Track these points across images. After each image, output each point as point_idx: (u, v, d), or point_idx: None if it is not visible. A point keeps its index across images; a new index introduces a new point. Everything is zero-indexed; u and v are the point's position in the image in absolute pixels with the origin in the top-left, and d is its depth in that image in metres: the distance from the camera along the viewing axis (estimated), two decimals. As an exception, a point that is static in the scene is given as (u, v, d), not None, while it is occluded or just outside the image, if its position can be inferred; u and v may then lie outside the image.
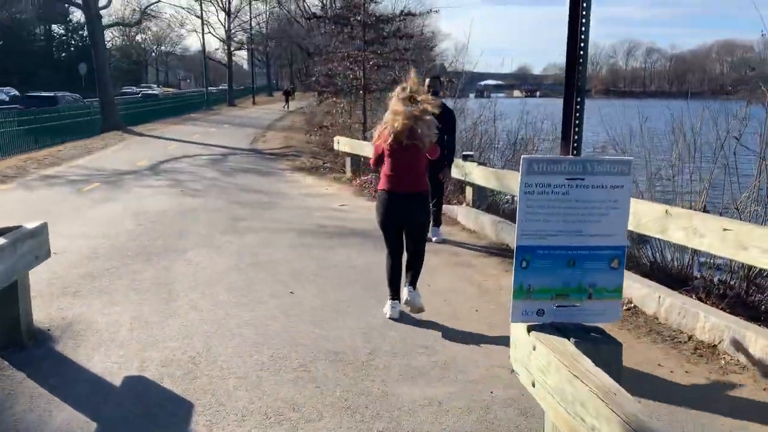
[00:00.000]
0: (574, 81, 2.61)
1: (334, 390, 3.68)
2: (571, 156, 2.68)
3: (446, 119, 6.86)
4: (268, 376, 3.86)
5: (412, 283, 5.13)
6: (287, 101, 44.32)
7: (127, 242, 7.28)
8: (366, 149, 11.98)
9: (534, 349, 2.41)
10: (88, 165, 15.00)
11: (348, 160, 12.74)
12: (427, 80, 7.29)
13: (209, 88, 54.93)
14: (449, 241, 7.44)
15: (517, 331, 2.59)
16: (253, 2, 54.72)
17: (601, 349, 2.30)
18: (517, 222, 2.46)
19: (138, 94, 41.50)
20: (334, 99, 17.84)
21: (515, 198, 9.83)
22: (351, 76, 15.24)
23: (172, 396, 3.60)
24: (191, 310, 5.00)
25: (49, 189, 11.40)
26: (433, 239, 7.42)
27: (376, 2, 15.37)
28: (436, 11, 15.30)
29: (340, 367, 3.98)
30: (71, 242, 7.20)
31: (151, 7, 30.86)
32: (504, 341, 4.47)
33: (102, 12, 26.59)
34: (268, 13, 60.16)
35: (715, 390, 3.79)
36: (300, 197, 10.62)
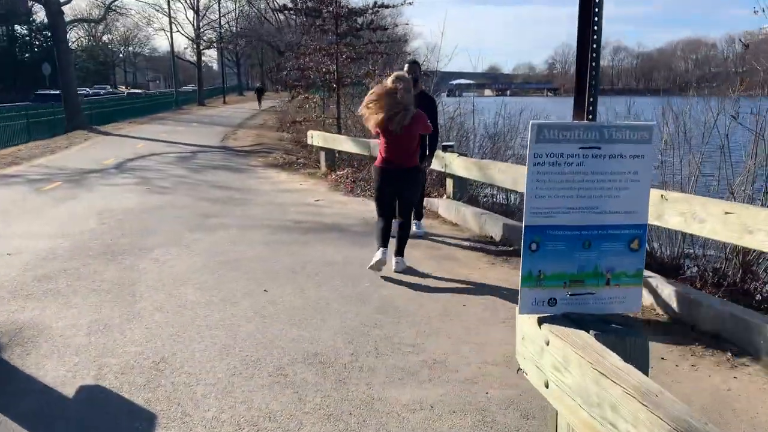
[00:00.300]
0: (589, 23, 2.27)
1: (315, 396, 3.32)
2: (585, 121, 2.33)
3: (427, 106, 6.57)
4: (241, 381, 3.49)
5: (399, 252, 5.82)
6: (260, 100, 44.11)
7: (89, 241, 6.83)
8: (341, 143, 11.61)
9: (548, 344, 2.08)
10: (50, 164, 14.38)
11: (322, 155, 12.36)
12: (406, 66, 6.97)
13: (179, 88, 54.00)
14: (431, 234, 7.12)
15: (525, 324, 2.27)
16: (222, 1, 53.87)
17: (626, 342, 1.98)
18: (525, 198, 2.13)
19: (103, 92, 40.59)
20: (306, 96, 17.45)
21: (498, 189, 9.63)
22: (324, 69, 14.86)
23: (133, 407, 3.21)
24: (156, 312, 4.59)
25: (7, 188, 10.82)
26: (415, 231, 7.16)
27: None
28: (410, 3, 14.73)
29: (320, 370, 3.62)
30: (28, 242, 6.72)
31: (116, 3, 29.99)
32: (495, 336, 4.17)
33: (66, 9, 25.77)
34: (237, 11, 59.37)
35: (725, 384, 3.52)
36: (273, 193, 10.21)
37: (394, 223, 5.98)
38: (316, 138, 12.47)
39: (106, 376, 3.53)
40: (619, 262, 2.19)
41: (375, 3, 14.46)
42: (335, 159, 12.45)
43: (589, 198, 2.13)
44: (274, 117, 29.21)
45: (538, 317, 2.17)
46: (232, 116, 33.87)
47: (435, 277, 5.54)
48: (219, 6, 53.32)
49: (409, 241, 6.08)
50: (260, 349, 3.90)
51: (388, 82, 5.75)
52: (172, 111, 40.62)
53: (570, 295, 2.19)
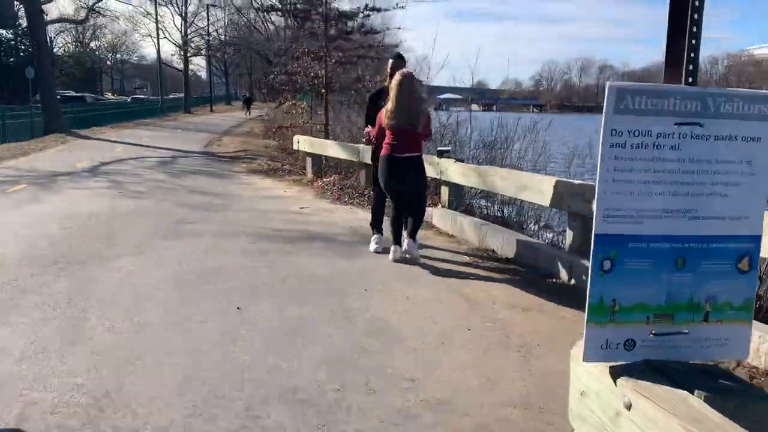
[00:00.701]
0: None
1: (292, 447, 2.65)
2: (683, 86, 1.68)
3: None
4: (201, 425, 2.80)
5: (412, 235, 5.87)
6: (248, 108, 44.08)
7: (45, 249, 6.10)
8: (329, 148, 10.97)
9: (629, 408, 1.43)
10: (20, 166, 13.60)
11: (308, 161, 11.69)
12: (390, 61, 6.38)
13: (166, 95, 53.11)
14: (426, 246, 6.47)
15: (588, 374, 1.61)
16: (211, 8, 53.23)
17: (754, 410, 1.33)
18: (596, 195, 1.48)
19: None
20: (294, 102, 16.80)
21: (494, 201, 9.02)
22: (312, 74, 14.22)
23: (58, 460, 2.52)
24: (107, 333, 3.89)
25: (-31, 191, 10.06)
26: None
27: (338, -4, 14.39)
28: (402, 6, 14.18)
29: (299, 412, 2.95)
30: (-25, 249, 6.00)
31: (100, 5, 29.17)
32: (509, 369, 3.51)
33: (53, 11, 25.02)
34: (226, 19, 58.73)
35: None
36: (256, 200, 9.53)
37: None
38: (302, 143, 11.82)
39: (31, 417, 2.83)
40: (722, 288, 1.55)
41: (366, 6, 13.87)
42: (322, 165, 11.79)
43: (685, 197, 1.49)
44: (261, 125, 28.53)
45: (611, 366, 1.52)
46: (218, 124, 33.14)
47: (433, 295, 4.88)
48: (207, 13, 52.65)
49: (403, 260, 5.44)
50: (227, 383, 3.22)
51: (397, 77, 5.62)
52: (157, 117, 39.80)
53: (654, 335, 1.54)
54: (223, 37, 60.40)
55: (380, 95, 6.37)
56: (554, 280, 5.30)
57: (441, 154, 7.77)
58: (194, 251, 6.13)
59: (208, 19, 52.62)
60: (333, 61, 13.87)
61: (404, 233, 5.85)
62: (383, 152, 5.75)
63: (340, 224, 7.69)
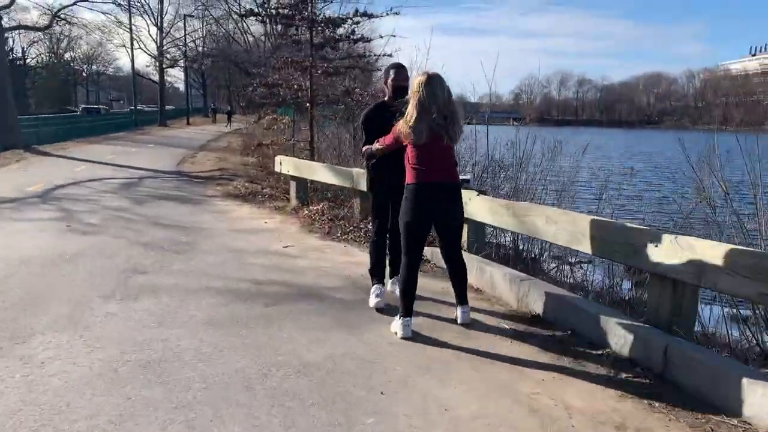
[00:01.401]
0: None
1: None
2: None
3: None
4: None
5: (464, 299, 4.61)
6: (229, 121, 43.10)
7: (-59, 318, 4.53)
8: (317, 172, 9.47)
9: None
10: (-39, 190, 11.93)
11: (293, 185, 10.18)
12: (392, 72, 4.97)
13: (140, 107, 51.27)
14: (445, 302, 5.01)
15: None
16: (189, 19, 51.62)
17: None
18: None
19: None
20: (275, 117, 15.33)
21: (502, 231, 7.47)
22: (296, 85, 12.76)
23: None
24: None
25: None
26: (396, 290, 5.23)
27: (325, 1, 12.96)
28: (396, 13, 12.82)
29: None
30: None
31: (65, 12, 27.39)
32: None
33: (14, 17, 23.25)
34: (204, 30, 57.11)
35: None
36: (230, 234, 7.99)
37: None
38: (285, 165, 10.30)
39: None
40: None
41: (356, 11, 12.45)
42: (308, 190, 10.30)
43: None
44: (239, 140, 26.95)
45: None
46: (194, 138, 31.48)
47: (480, 404, 3.39)
48: (185, 24, 51.01)
49: (417, 324, 3.96)
50: None
51: (423, 75, 4.22)
52: (129, 131, 38.02)
53: None
54: (200, 48, 58.86)
55: (381, 112, 4.96)
56: (640, 369, 3.84)
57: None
58: (143, 321, 4.60)
59: (185, 30, 51.05)
60: (319, 71, 12.43)
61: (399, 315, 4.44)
62: (410, 179, 4.22)
63: (335, 271, 6.20)
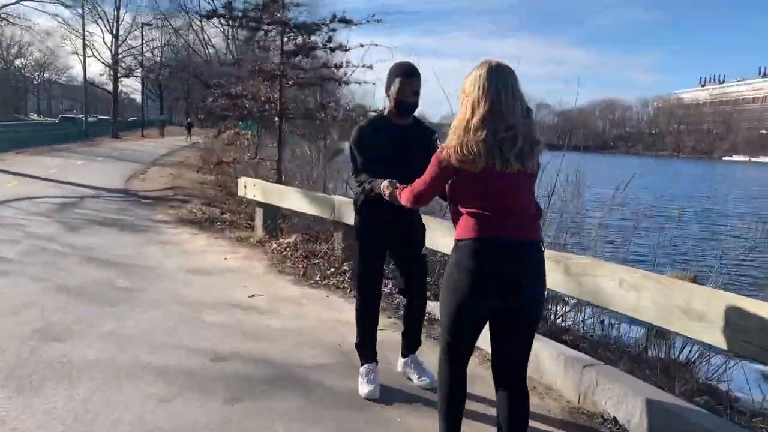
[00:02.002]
0: None
1: None
2: None
3: (431, 145, 3.46)
4: None
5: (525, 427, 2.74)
6: (189, 133, 41.16)
7: None
8: (289, 198, 7.97)
9: None
10: None
11: (259, 213, 8.64)
12: (397, 82, 3.57)
13: (92, 117, 48.72)
14: (478, 397, 3.59)
15: None
16: (146, 28, 49.55)
17: None
18: None
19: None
20: (237, 132, 13.78)
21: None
22: (263, 97, 11.25)
23: None
24: None
25: None
26: (415, 380, 3.89)
27: (299, 4, 11.54)
28: (378, 20, 11.52)
29: None
30: None
31: (4, 10, 25.23)
32: None
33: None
34: (162, 40, 55.04)
35: None
36: (182, 276, 6.42)
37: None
38: (251, 188, 8.76)
39: None
40: None
41: (334, 16, 11.04)
42: (277, 218, 8.79)
43: None
44: (197, 154, 25.16)
45: None
46: (147, 151, 29.51)
47: None
48: (142, 33, 48.87)
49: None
50: None
51: (484, 73, 2.59)
52: (79, 142, 35.72)
53: None
54: (158, 58, 56.68)
55: (379, 129, 3.62)
56: None
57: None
58: (49, 428, 3.04)
59: (142, 39, 48.92)
60: (290, 82, 10.97)
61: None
62: (462, 233, 2.63)
63: (319, 336, 4.72)
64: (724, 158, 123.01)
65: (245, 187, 8.91)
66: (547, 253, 4.39)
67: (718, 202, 27.85)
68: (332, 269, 6.59)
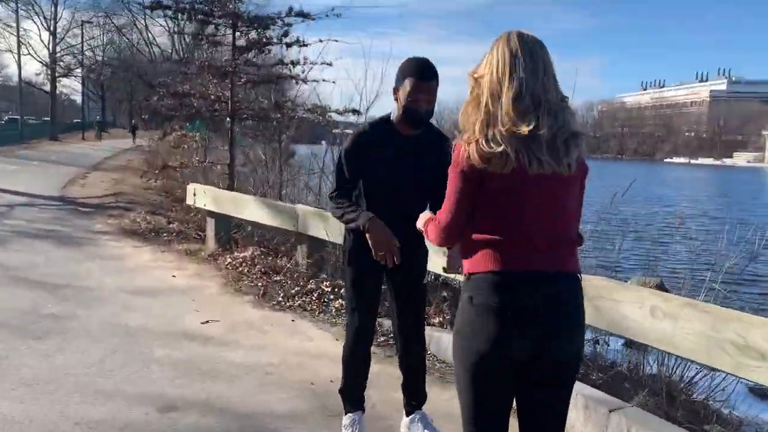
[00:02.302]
0: None
1: None
2: None
3: (444, 155, 2.54)
4: None
5: None
6: (134, 135, 39.50)
7: None
8: (245, 207, 7.21)
9: None
10: None
11: (211, 224, 7.83)
12: (409, 81, 2.81)
13: (32, 119, 46.43)
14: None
15: None
16: (87, 26, 47.49)
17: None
18: None
19: None
20: (184, 134, 12.85)
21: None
22: (213, 96, 10.43)
23: None
24: None
25: None
26: None
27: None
28: (338, 15, 10.86)
29: None
30: None
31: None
32: None
33: None
34: (104, 38, 53.00)
35: None
36: (123, 298, 5.60)
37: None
38: (201, 197, 7.95)
39: None
40: None
41: (290, 9, 10.29)
42: (230, 229, 8.01)
43: None
44: (142, 157, 23.90)
45: None
46: (88, 154, 27.99)
47: None
48: (82, 31, 46.78)
49: None
50: None
51: (504, 46, 1.96)
52: (13, 145, 33.72)
53: None
54: (100, 57, 54.52)
55: (382, 139, 2.92)
56: None
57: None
58: None
59: (82, 37, 46.81)
60: (243, 80, 10.19)
61: None
62: (477, 265, 1.96)
63: (285, 372, 4.03)
64: (665, 160, 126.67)
65: (195, 194, 8.09)
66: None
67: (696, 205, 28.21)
68: (296, 288, 5.87)
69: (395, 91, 2.86)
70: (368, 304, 3.04)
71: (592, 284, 3.47)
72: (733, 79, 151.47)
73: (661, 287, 6.92)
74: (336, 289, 5.69)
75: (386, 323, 4.62)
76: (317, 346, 4.57)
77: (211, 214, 7.74)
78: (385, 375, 3.88)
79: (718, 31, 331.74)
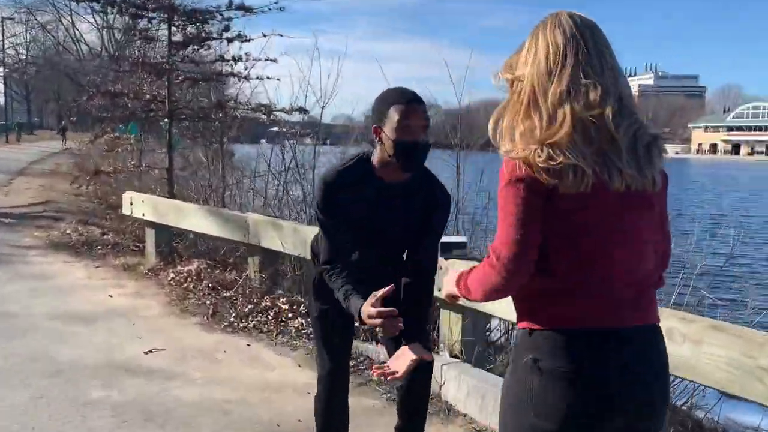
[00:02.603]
0: None
1: None
2: None
3: (431, 195, 2.43)
4: None
5: None
6: (64, 137, 37.60)
7: None
8: (189, 217, 6.61)
9: None
10: None
11: (150, 235, 7.17)
12: (396, 109, 2.24)
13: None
14: None
15: None
16: (9, 23, 45.06)
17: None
18: None
19: None
20: (117, 136, 12.01)
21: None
22: (148, 96, 9.71)
23: None
24: None
25: None
26: None
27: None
28: (281, 8, 10.29)
29: None
30: None
31: None
32: None
33: None
34: (27, 36, 50.43)
35: None
36: (52, 326, 4.95)
37: None
38: (139, 206, 7.27)
39: None
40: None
41: (230, 3, 9.67)
42: (172, 240, 7.37)
43: None
44: (72, 161, 22.59)
45: None
46: (12, 158, 26.31)
47: None
48: (2, 27, 44.31)
49: None
50: None
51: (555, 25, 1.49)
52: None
53: None
54: (23, 56, 51.81)
55: (361, 184, 2.37)
56: None
57: (447, 249, 3.85)
58: None
59: (2, 35, 44.38)
60: (181, 78, 9.52)
61: None
62: (552, 318, 1.49)
63: (245, 411, 3.53)
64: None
65: (132, 203, 7.40)
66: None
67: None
68: (250, 306, 5.33)
69: (377, 131, 2.29)
70: (339, 348, 2.58)
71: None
72: (660, 73, 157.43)
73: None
74: (294, 307, 5.21)
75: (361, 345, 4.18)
76: (279, 375, 4.08)
77: (150, 224, 7.08)
78: (361, 409, 3.43)
79: (645, 24, 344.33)
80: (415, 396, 2.59)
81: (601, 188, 1.42)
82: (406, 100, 2.26)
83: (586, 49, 1.45)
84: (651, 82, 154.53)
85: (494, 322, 4.44)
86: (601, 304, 1.49)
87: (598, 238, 1.47)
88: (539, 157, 1.40)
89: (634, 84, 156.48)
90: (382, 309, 2.15)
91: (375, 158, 2.36)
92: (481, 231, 5.81)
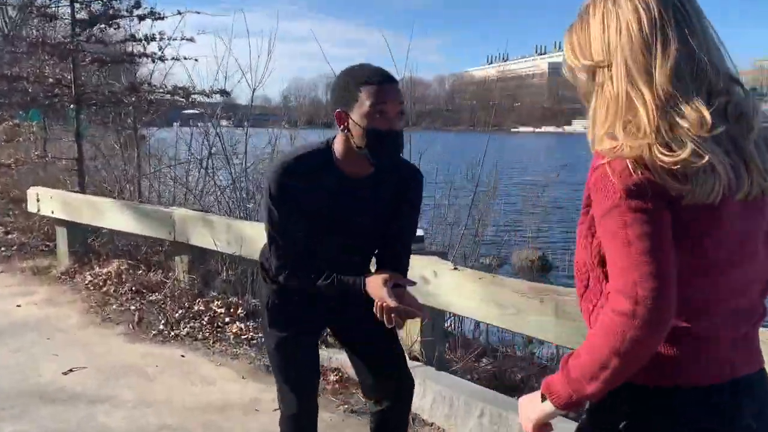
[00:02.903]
0: None
1: None
2: None
3: (412, 184, 2.17)
4: None
5: None
6: None
7: None
8: (106, 214, 6.00)
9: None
10: None
11: (62, 234, 6.48)
12: (367, 90, 1.90)
13: None
14: None
15: None
16: None
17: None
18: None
19: None
20: (16, 123, 10.99)
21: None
22: (51, 79, 8.85)
23: None
24: None
25: None
26: None
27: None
28: (194, -16, 9.57)
29: None
30: None
31: None
32: None
33: None
34: None
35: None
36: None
37: None
38: (47, 202, 6.54)
39: None
40: None
41: (137, -27, 8.91)
42: (87, 238, 6.72)
43: None
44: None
45: None
46: None
47: None
48: None
49: None
50: None
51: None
52: None
53: None
54: None
55: (320, 178, 2.01)
56: None
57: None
58: None
59: None
60: (88, 59, 8.73)
61: None
62: (667, 373, 1.14)
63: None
64: (512, 130, 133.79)
65: (38, 200, 6.66)
66: (528, 285, 3.21)
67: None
68: (181, 311, 4.85)
69: (340, 117, 1.95)
70: (305, 378, 2.22)
71: (573, 299, 2.90)
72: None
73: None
74: (231, 309, 4.78)
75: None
76: (221, 392, 3.68)
77: (60, 222, 6.41)
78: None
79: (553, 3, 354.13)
80: (391, 428, 2.30)
81: (728, 198, 1.08)
82: (378, 80, 1.91)
83: (689, 20, 1.11)
84: (560, 60, 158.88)
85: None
86: (724, 350, 1.17)
87: (711, 265, 1.13)
88: (660, 150, 1.04)
89: (543, 62, 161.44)
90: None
91: (337, 148, 2.02)
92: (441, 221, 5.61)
